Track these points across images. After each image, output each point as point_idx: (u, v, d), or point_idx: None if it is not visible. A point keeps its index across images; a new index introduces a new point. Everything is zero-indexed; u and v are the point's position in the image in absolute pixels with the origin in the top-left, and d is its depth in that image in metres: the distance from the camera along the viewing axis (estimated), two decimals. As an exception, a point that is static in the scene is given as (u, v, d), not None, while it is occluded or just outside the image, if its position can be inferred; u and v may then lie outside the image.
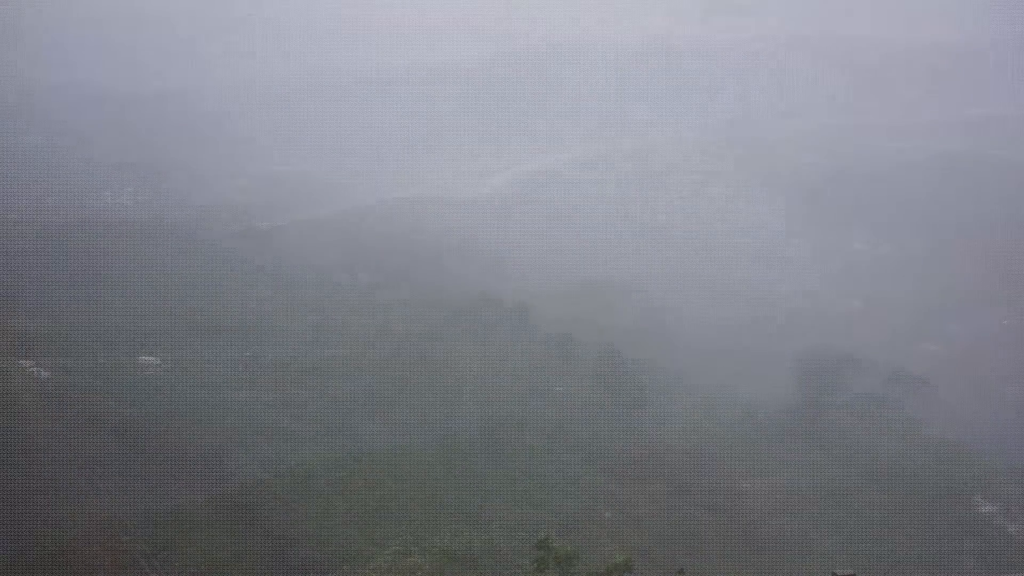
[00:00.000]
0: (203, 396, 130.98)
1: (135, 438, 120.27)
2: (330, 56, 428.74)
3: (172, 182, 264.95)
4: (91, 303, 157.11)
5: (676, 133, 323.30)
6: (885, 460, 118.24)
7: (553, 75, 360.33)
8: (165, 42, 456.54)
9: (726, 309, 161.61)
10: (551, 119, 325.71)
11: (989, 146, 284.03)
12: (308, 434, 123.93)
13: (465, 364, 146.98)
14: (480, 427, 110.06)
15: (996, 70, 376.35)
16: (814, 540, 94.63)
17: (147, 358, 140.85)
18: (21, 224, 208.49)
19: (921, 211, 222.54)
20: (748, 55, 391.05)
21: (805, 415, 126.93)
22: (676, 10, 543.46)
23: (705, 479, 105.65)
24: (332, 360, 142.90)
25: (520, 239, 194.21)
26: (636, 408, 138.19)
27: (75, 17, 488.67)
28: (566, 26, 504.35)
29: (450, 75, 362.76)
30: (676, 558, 69.07)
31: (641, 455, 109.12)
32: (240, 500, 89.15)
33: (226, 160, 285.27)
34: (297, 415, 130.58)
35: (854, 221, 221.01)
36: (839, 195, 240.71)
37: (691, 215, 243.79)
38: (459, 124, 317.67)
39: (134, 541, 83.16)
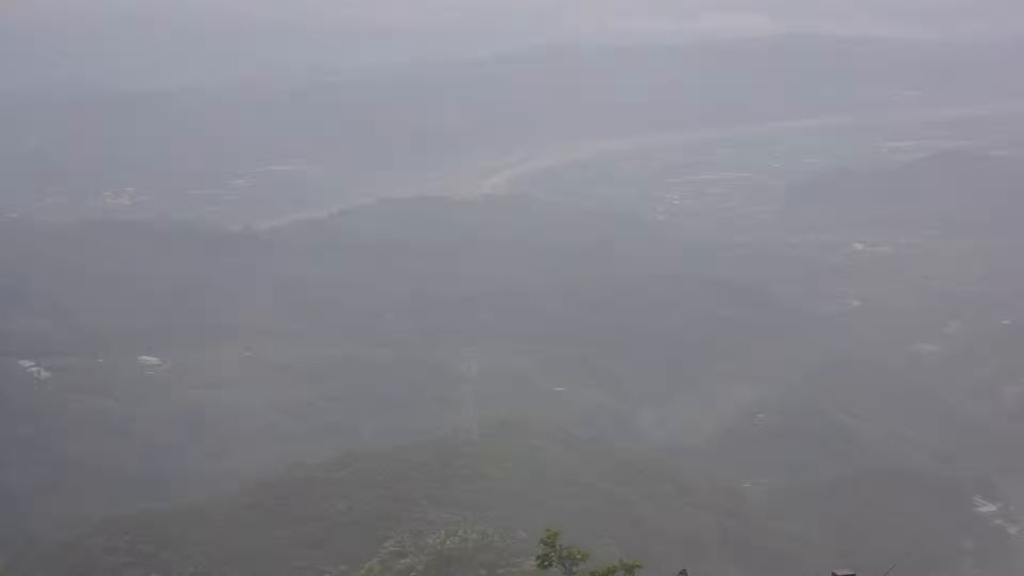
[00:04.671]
0: (203, 396, 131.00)
1: (135, 438, 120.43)
2: (329, 56, 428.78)
3: (172, 182, 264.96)
4: (91, 303, 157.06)
5: (677, 132, 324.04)
6: (885, 460, 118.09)
7: (551, 74, 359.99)
8: (165, 42, 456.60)
9: (726, 308, 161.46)
10: (547, 119, 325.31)
11: (989, 146, 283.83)
12: (308, 434, 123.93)
13: (464, 364, 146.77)
14: (479, 427, 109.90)
15: (996, 70, 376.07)
16: (814, 540, 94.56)
17: (147, 358, 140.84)
18: (21, 224, 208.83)
19: (920, 211, 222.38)
20: (747, 54, 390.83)
21: (805, 415, 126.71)
22: (675, 9, 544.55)
23: (705, 479, 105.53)
24: (332, 360, 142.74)
25: (517, 236, 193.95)
26: (636, 408, 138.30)
27: (75, 17, 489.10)
28: (565, 27, 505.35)
29: (450, 75, 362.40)
30: (676, 558, 69.09)
31: (641, 455, 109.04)
32: (240, 500, 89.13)
33: (226, 160, 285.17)
34: (297, 415, 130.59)
35: (854, 221, 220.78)
36: (839, 195, 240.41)
37: (691, 214, 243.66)
38: (459, 124, 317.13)
39: (134, 541, 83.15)
